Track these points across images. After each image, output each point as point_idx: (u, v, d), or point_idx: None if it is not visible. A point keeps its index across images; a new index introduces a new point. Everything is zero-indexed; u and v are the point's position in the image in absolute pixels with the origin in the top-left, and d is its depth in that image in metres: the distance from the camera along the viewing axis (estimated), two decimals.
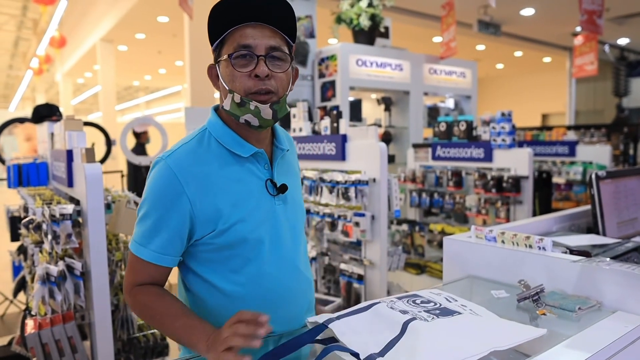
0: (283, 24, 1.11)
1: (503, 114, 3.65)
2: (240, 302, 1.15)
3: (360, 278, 2.53)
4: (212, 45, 1.15)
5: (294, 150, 1.37)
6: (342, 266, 2.64)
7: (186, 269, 1.20)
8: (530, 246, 1.44)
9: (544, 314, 1.20)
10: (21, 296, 3.44)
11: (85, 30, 11.77)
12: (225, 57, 1.10)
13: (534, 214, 3.68)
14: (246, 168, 1.16)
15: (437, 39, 10.49)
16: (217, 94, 1.27)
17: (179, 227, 1.10)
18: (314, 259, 2.84)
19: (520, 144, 4.78)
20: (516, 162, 3.53)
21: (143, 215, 1.12)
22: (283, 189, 1.19)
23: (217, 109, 1.22)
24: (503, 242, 1.52)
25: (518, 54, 12.90)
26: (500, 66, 15.17)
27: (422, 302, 1.08)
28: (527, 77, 16.13)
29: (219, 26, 1.11)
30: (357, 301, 2.56)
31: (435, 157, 4.17)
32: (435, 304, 1.07)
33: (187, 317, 1.07)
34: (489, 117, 3.85)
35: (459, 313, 1.03)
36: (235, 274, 1.15)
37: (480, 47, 11.88)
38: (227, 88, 1.12)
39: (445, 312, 1.02)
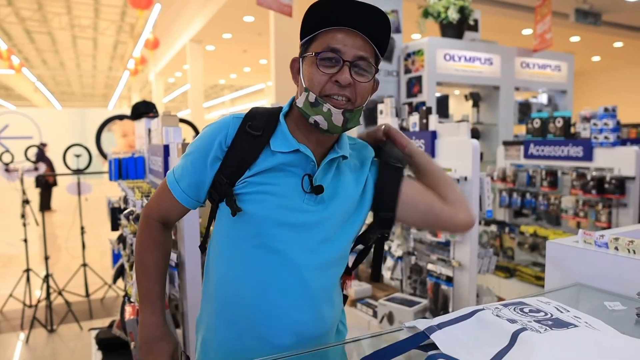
0: (376, 36, 1.08)
1: (606, 109, 3.38)
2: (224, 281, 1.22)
3: (449, 280, 2.44)
4: (301, 39, 1.12)
5: (361, 160, 1.23)
6: (430, 267, 2.56)
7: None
8: None
9: None
10: (120, 282, 3.66)
11: (176, 32, 12.41)
12: (311, 54, 1.08)
13: None
14: (286, 161, 1.13)
15: (527, 31, 9.96)
16: None
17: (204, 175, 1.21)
18: (399, 258, 2.78)
19: (624, 142, 4.41)
20: (621, 161, 3.26)
21: (185, 153, 1.22)
22: (318, 189, 1.11)
23: (292, 102, 1.18)
24: (616, 248, 1.39)
25: (618, 44, 11.97)
26: (596, 59, 14.16)
27: (530, 311, 1.00)
28: (627, 70, 14.93)
29: (314, 23, 1.08)
30: (445, 303, 2.47)
31: (527, 156, 3.95)
32: (546, 313, 0.99)
33: (155, 293, 1.25)
34: (590, 112, 3.59)
35: (574, 325, 0.94)
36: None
37: (575, 39, 11.15)
38: (304, 85, 1.09)
39: (559, 324, 0.93)
